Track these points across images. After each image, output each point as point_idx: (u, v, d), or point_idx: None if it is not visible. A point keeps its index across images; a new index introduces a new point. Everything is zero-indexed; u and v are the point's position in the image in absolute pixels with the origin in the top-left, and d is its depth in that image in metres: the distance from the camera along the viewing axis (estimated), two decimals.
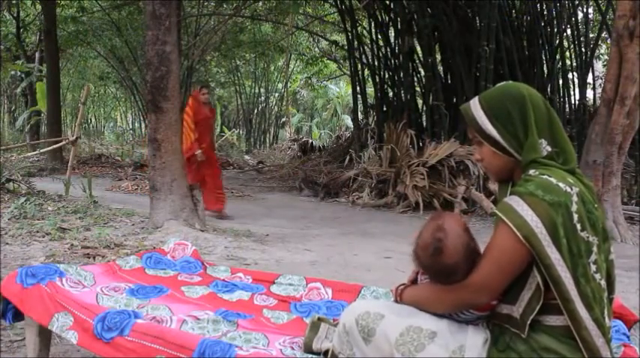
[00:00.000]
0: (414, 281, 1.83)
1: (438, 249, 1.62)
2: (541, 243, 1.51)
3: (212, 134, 8.02)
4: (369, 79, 12.34)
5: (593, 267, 1.56)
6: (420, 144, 9.71)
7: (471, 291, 1.60)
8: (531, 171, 1.60)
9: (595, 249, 1.56)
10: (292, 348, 2.00)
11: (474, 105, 1.69)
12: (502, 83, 1.75)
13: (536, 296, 1.57)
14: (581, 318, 1.53)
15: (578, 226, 1.54)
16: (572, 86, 11.26)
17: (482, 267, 1.59)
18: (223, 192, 7.60)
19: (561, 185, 1.54)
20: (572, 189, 1.55)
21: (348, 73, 14.24)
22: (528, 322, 1.58)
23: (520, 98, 1.63)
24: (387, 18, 11.54)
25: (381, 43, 11.74)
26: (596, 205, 1.60)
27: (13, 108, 24.00)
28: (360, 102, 12.15)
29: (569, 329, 1.55)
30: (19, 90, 18.86)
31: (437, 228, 1.65)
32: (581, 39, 10.84)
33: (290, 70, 22.18)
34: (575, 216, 1.53)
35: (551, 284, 1.53)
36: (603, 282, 1.59)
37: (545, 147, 1.62)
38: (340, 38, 16.21)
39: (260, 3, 13.38)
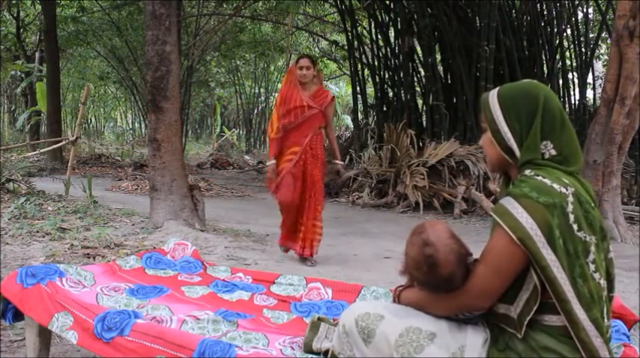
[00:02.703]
0: (411, 284, 1.82)
1: (431, 265, 1.62)
2: (536, 244, 1.52)
3: (330, 131, 5.05)
4: (369, 79, 12.33)
5: (592, 267, 1.56)
6: (420, 144, 9.71)
7: (472, 296, 1.61)
8: (527, 171, 1.61)
9: (593, 248, 1.57)
10: (292, 348, 2.01)
11: (493, 94, 1.70)
12: (526, 80, 1.76)
13: (533, 296, 1.57)
14: (578, 319, 1.53)
15: (575, 227, 1.54)
16: (572, 86, 11.26)
17: (480, 271, 1.60)
18: (319, 226, 4.87)
19: (556, 186, 1.55)
20: (567, 190, 1.55)
21: (348, 73, 14.23)
22: (525, 322, 1.58)
23: (533, 98, 1.63)
24: (387, 18, 11.53)
25: (381, 43, 11.73)
26: (593, 204, 1.60)
27: (13, 108, 23.98)
28: (360, 102, 12.15)
29: (567, 328, 1.55)
30: (19, 90, 18.84)
31: (424, 244, 1.64)
32: (581, 39, 10.83)
33: None
34: (572, 217, 1.54)
35: (547, 286, 1.54)
36: (603, 281, 1.59)
37: (549, 150, 1.62)
38: (340, 38, 16.20)
39: (260, 3, 13.38)
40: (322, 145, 4.98)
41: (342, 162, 5.12)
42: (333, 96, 4.99)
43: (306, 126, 4.83)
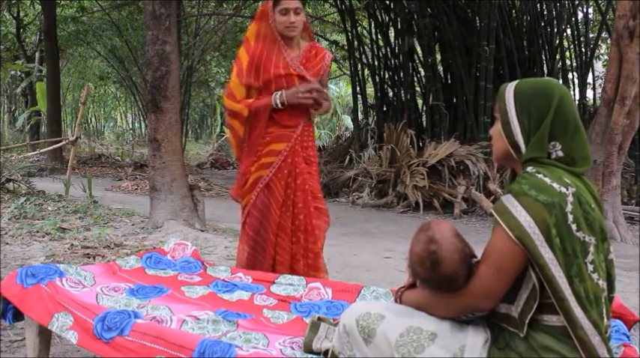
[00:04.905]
0: (412, 284, 1.83)
1: (434, 261, 1.62)
2: (534, 242, 1.52)
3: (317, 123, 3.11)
4: (369, 79, 12.32)
5: (590, 267, 1.56)
6: (420, 144, 9.71)
7: (474, 297, 1.61)
8: (529, 169, 1.62)
9: (592, 249, 1.57)
10: (292, 348, 2.00)
11: (511, 86, 1.70)
12: (546, 78, 1.76)
13: (532, 295, 1.58)
14: (576, 318, 1.54)
15: (574, 226, 1.54)
16: (572, 86, 11.25)
17: (481, 271, 1.60)
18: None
19: (555, 185, 1.55)
20: (567, 190, 1.55)
21: (348, 73, 14.23)
22: (527, 321, 1.58)
23: (548, 98, 1.63)
24: (387, 18, 11.53)
25: (381, 43, 11.73)
26: (593, 205, 1.60)
27: (13, 108, 23.97)
28: (360, 102, 12.14)
29: (567, 328, 1.56)
30: (19, 90, 18.84)
31: (428, 241, 1.65)
32: (581, 39, 10.83)
33: None
34: (570, 217, 1.54)
35: (545, 284, 1.54)
36: (602, 282, 1.59)
37: (557, 151, 1.62)
38: (340, 38, 16.19)
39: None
40: (315, 145, 3.27)
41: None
42: (331, 56, 3.28)
43: (296, 111, 3.05)
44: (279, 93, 3.00)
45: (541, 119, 1.62)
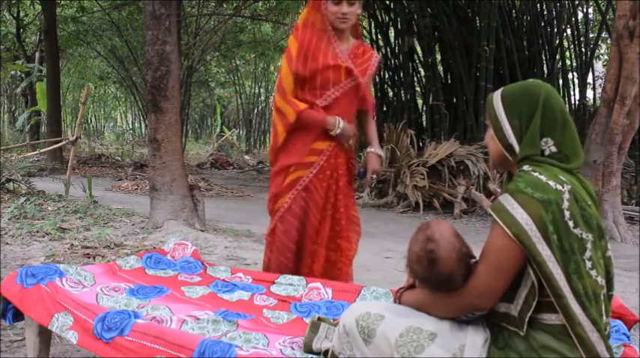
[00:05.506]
0: (412, 285, 1.83)
1: (432, 260, 1.63)
2: (531, 239, 1.53)
3: (368, 117, 3.15)
4: None
5: (589, 264, 1.57)
6: (420, 144, 9.71)
7: (474, 296, 1.61)
8: (525, 167, 1.63)
9: (589, 245, 1.58)
10: (292, 348, 2.00)
11: (497, 93, 1.74)
12: (530, 80, 1.80)
13: (532, 293, 1.58)
14: (574, 314, 1.55)
15: (571, 223, 1.55)
16: (572, 86, 11.25)
17: (480, 270, 1.61)
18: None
19: (551, 183, 1.56)
20: (563, 187, 1.56)
21: None
22: (526, 320, 1.59)
23: (534, 97, 1.66)
24: (387, 18, 11.53)
25: (381, 43, 11.73)
26: (589, 203, 1.61)
27: (13, 108, 23.97)
28: None
29: (566, 327, 1.56)
30: (19, 90, 18.83)
31: (427, 239, 1.66)
32: (581, 39, 10.84)
33: None
34: (567, 214, 1.55)
35: (543, 281, 1.55)
36: (600, 279, 1.60)
37: (550, 147, 1.64)
38: None
39: (260, 3, 13.37)
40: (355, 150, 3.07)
41: (382, 153, 3.10)
42: (378, 57, 3.13)
43: (343, 106, 2.88)
44: (340, 122, 2.84)
45: (530, 117, 1.64)
